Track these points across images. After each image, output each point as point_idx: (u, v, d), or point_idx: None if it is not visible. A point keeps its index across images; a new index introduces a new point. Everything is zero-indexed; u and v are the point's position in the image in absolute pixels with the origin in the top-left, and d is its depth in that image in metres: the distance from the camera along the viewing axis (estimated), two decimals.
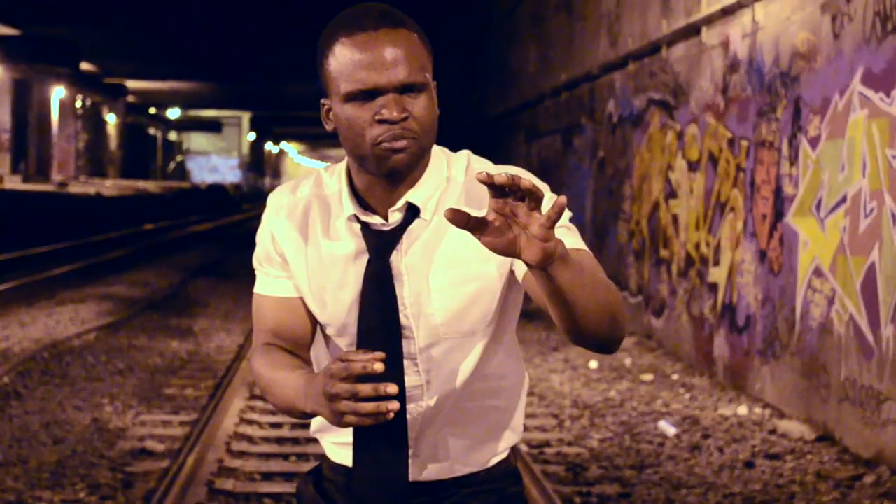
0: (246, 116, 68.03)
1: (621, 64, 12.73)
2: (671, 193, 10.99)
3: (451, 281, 2.22)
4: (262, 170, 79.95)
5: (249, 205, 55.88)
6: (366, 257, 2.24)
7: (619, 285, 12.81)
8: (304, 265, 2.29)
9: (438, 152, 2.28)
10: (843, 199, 7.22)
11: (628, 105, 12.57)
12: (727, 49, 9.44)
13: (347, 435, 2.30)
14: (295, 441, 7.42)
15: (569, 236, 2.17)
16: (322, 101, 2.25)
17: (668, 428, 7.71)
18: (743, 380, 8.91)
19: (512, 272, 2.26)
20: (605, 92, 13.65)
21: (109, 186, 33.04)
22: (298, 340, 2.34)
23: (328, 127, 2.25)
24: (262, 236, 2.35)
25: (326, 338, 2.37)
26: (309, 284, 2.29)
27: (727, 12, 9.27)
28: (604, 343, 2.13)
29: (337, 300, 2.27)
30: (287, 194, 2.35)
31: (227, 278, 17.99)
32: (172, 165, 65.04)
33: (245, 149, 69.95)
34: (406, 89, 2.14)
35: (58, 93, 38.53)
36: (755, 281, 8.72)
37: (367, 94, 2.13)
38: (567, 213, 2.17)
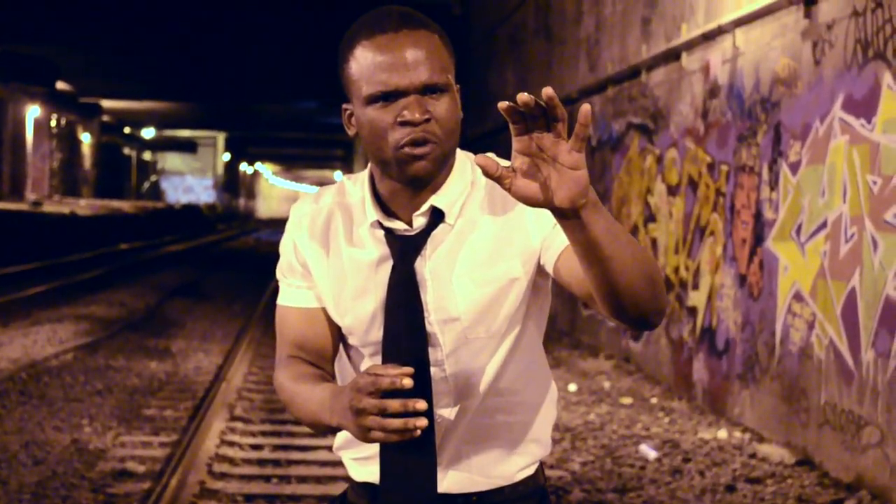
0: (221, 137, 67.98)
1: (600, 88, 12.78)
2: (650, 217, 11.04)
3: (476, 282, 2.19)
4: (236, 190, 79.83)
5: (224, 225, 55.79)
6: (389, 264, 2.21)
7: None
8: (326, 274, 2.27)
9: (462, 156, 2.25)
10: (824, 224, 7.27)
11: (607, 129, 12.63)
12: (707, 74, 9.50)
13: (371, 449, 2.27)
14: (276, 463, 7.40)
15: None
16: (344, 106, 2.22)
17: (648, 451, 7.73)
18: (722, 403, 8.95)
19: (540, 268, 2.22)
20: None
21: (84, 206, 32.92)
22: (322, 352, 2.31)
23: (350, 132, 2.23)
24: (284, 247, 2.33)
25: (348, 349, 2.34)
26: (332, 293, 2.27)
27: (707, 38, 9.33)
28: (645, 309, 2.00)
29: (360, 308, 2.24)
30: (309, 203, 2.32)
31: (204, 299, 17.94)
32: (147, 185, 64.87)
33: (220, 169, 69.85)
34: (428, 90, 2.11)
35: (33, 112, 38.41)
36: (735, 305, 8.76)
37: (388, 96, 2.11)
38: None
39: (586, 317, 13.17)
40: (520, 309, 2.24)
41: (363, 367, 2.31)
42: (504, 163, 1.92)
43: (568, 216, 1.87)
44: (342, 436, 2.35)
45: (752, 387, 8.38)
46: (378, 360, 2.24)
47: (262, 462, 7.43)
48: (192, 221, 46.78)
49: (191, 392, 9.82)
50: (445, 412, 2.25)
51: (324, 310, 2.30)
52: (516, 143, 1.84)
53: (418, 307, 2.20)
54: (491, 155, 2.19)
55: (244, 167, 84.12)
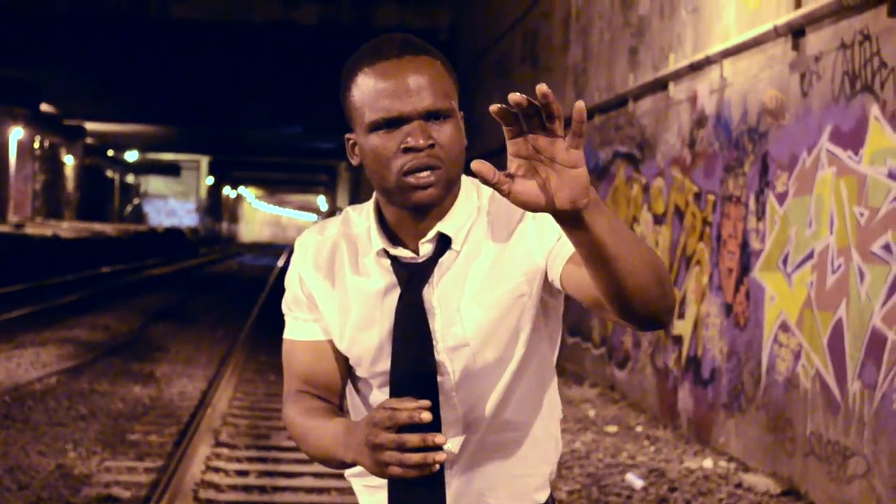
0: (204, 160, 67.93)
1: (587, 116, 12.80)
2: None
3: (482, 306, 2.17)
4: (219, 214, 79.71)
5: (207, 249, 55.70)
6: (396, 293, 2.19)
7: (581, 336, 12.87)
8: (332, 305, 2.25)
9: (468, 182, 2.23)
10: (811, 255, 7.30)
11: (594, 157, 12.66)
12: (695, 104, 9.55)
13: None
14: (262, 489, 7.38)
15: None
16: (347, 135, 2.20)
17: (635, 480, 7.73)
18: (707, 433, 8.96)
19: (548, 285, 2.18)
20: None
21: (66, 228, 32.84)
22: (330, 386, 2.29)
23: (354, 162, 2.20)
24: (290, 280, 2.31)
25: (356, 381, 2.32)
26: (338, 324, 2.24)
27: (695, 68, 9.38)
28: (655, 308, 1.93)
29: (367, 339, 2.22)
30: (314, 235, 2.31)
31: (187, 323, 17.90)
32: (129, 208, 64.74)
33: (203, 193, 69.76)
34: (431, 116, 2.09)
35: (16, 133, 38.32)
36: (720, 334, 8.79)
37: (391, 123, 2.09)
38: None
39: (571, 344, 13.18)
40: (527, 329, 2.21)
41: (372, 398, 2.29)
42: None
43: (570, 218, 1.79)
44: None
45: (737, 416, 8.40)
46: (386, 391, 2.22)
47: (247, 488, 7.41)
48: (175, 245, 46.69)
49: (175, 417, 9.79)
50: (453, 442, 2.23)
51: (331, 342, 2.28)
52: (511, 146, 1.77)
53: (427, 336, 2.17)
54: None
55: (227, 191, 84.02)
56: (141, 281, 28.14)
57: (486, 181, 1.76)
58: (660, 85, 10.31)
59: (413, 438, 1.92)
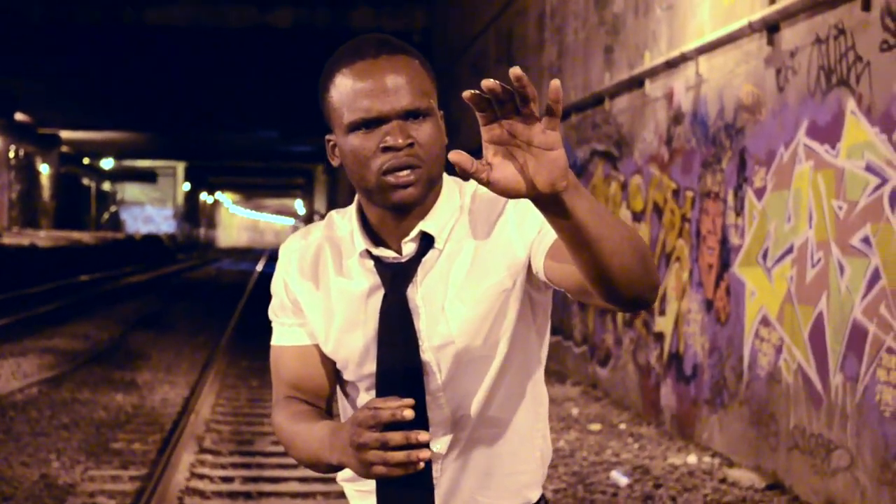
0: (181, 166, 67.79)
1: (564, 115, 12.84)
2: None
3: (466, 303, 2.16)
4: (197, 220, 79.55)
5: (184, 255, 55.56)
6: (380, 294, 2.18)
7: (563, 335, 12.89)
8: (317, 308, 2.25)
9: (450, 181, 2.23)
10: (790, 250, 7.33)
11: (571, 156, 12.68)
12: (671, 101, 9.57)
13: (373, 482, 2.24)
14: (248, 495, 7.37)
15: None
16: (327, 137, 2.20)
17: (619, 478, 7.75)
18: (691, 429, 8.98)
19: (533, 278, 2.16)
20: None
21: (44, 237, 32.71)
22: (318, 391, 2.29)
23: (334, 163, 2.19)
24: (275, 286, 2.31)
25: (344, 385, 2.32)
26: (323, 328, 2.24)
27: (671, 65, 9.41)
28: (640, 287, 1.90)
29: (352, 341, 2.22)
30: (298, 240, 2.31)
31: (168, 330, 17.85)
32: (106, 216, 64.54)
33: (180, 199, 69.61)
34: (410, 115, 2.09)
35: None
36: (702, 330, 8.81)
37: (370, 123, 2.08)
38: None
39: (553, 343, 13.20)
40: (512, 323, 2.19)
41: (360, 402, 2.28)
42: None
43: (550, 201, 1.76)
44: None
45: (720, 412, 8.42)
46: (373, 393, 2.22)
47: (233, 495, 7.39)
48: (153, 252, 46.57)
49: (158, 425, 9.77)
50: (441, 443, 2.22)
51: (317, 347, 2.27)
52: (485, 133, 1.74)
53: (412, 335, 2.17)
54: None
55: (204, 197, 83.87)
56: (120, 289, 28.05)
57: (464, 171, 1.74)
58: (636, 83, 10.34)
59: (396, 436, 1.91)
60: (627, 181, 10.75)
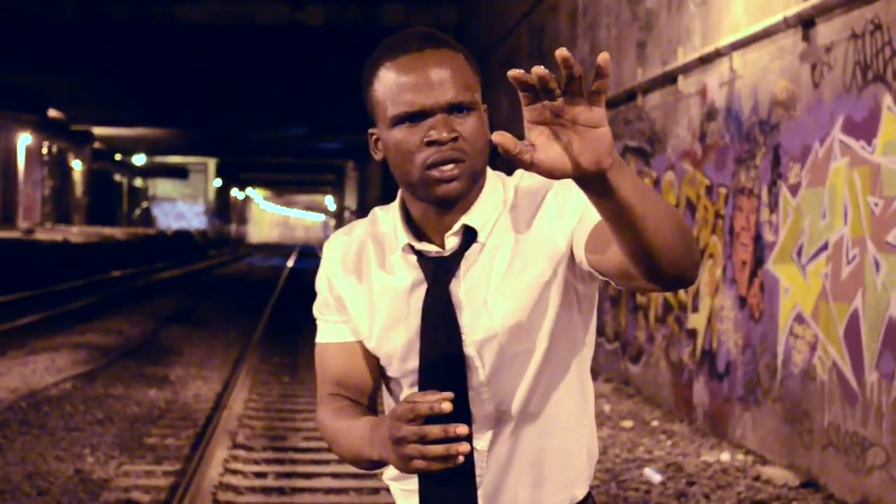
0: (212, 163, 68.02)
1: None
2: None
3: (509, 297, 2.14)
4: (228, 216, 79.82)
5: (215, 251, 55.74)
6: (423, 289, 2.16)
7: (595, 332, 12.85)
8: (361, 304, 2.24)
9: (493, 176, 2.20)
10: (825, 246, 7.29)
11: None
12: (704, 97, 9.53)
13: (413, 482, 2.22)
14: (281, 491, 7.39)
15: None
16: (370, 130, 2.18)
17: (653, 475, 7.73)
18: (724, 426, 8.95)
19: (576, 268, 2.13)
20: None
21: (76, 233, 32.90)
22: (362, 388, 2.28)
23: (377, 156, 2.19)
24: (319, 284, 2.30)
25: (388, 381, 2.30)
26: (367, 324, 2.23)
27: (704, 61, 9.37)
28: (682, 265, 1.88)
29: (396, 336, 2.20)
30: (342, 236, 2.30)
31: (200, 326, 17.91)
32: (138, 212, 64.84)
33: (211, 195, 69.87)
34: (454, 109, 2.07)
35: (24, 139, 38.41)
36: (735, 327, 8.78)
37: (414, 117, 2.07)
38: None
39: None
40: (555, 315, 2.16)
41: (404, 398, 2.28)
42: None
43: (595, 181, 1.72)
44: (391, 466, 2.29)
45: (753, 409, 8.39)
46: (417, 389, 2.20)
47: (266, 490, 7.41)
48: (184, 247, 46.75)
49: (192, 420, 9.81)
50: (484, 439, 2.20)
51: (361, 343, 2.26)
52: (528, 112, 1.70)
53: (455, 330, 2.15)
54: (534, 176, 2.12)
55: (235, 193, 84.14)
56: (151, 284, 28.18)
57: (507, 152, 1.69)
58: (669, 78, 10.30)
59: (434, 430, 1.89)
60: (660, 177, 10.71)
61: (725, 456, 8.33)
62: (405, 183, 2.14)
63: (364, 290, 2.24)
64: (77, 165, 47.18)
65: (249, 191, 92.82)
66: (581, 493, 2.29)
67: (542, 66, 1.64)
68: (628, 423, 9.68)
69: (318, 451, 8.40)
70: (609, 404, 10.60)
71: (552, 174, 1.72)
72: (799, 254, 7.68)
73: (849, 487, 6.92)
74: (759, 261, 8.36)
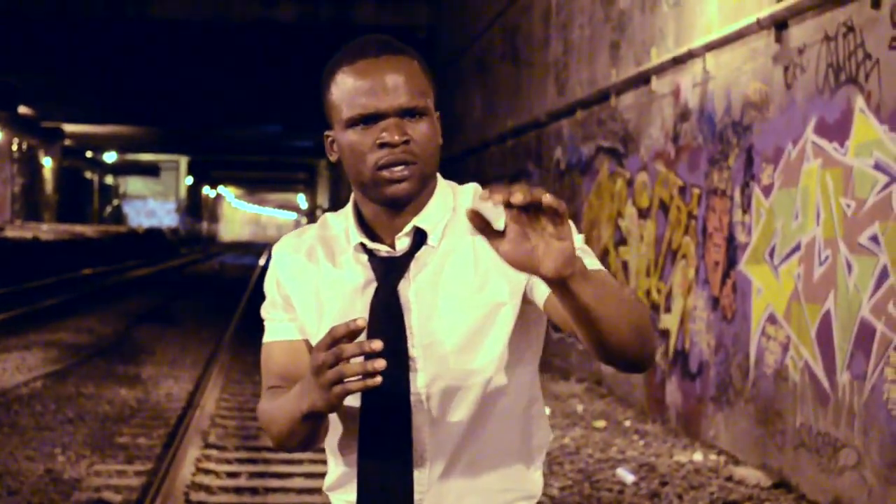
0: (184, 160, 67.78)
1: (569, 111, 12.84)
2: (621, 240, 11.08)
3: (461, 308, 2.17)
4: (199, 214, 79.55)
5: (187, 249, 55.56)
6: (373, 287, 2.20)
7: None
8: (308, 303, 2.26)
9: (444, 184, 2.27)
10: (798, 247, 7.32)
11: (576, 152, 12.67)
12: (678, 98, 9.56)
13: (353, 493, 2.23)
14: (254, 491, 7.37)
15: (585, 257, 2.10)
16: (326, 133, 2.25)
17: (626, 475, 7.74)
18: (696, 426, 8.98)
19: (528, 302, 2.19)
20: (552, 139, 13.76)
21: (46, 231, 32.72)
22: None
23: (332, 158, 2.25)
24: (267, 285, 2.33)
25: None
26: (315, 321, 2.25)
27: (678, 62, 9.39)
28: (635, 361, 2.05)
29: None
30: (291, 238, 2.35)
31: (172, 324, 17.85)
32: (109, 209, 64.55)
33: (182, 193, 69.62)
34: (407, 114, 2.14)
35: None
36: (708, 328, 8.80)
37: (368, 119, 2.14)
38: (581, 236, 2.14)
39: (556, 339, 13.19)
40: (506, 337, 2.19)
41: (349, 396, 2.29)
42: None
43: (554, 284, 1.88)
44: (330, 476, 2.32)
45: (726, 409, 8.41)
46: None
47: (239, 490, 7.39)
48: (156, 246, 46.56)
49: (163, 419, 9.77)
50: (423, 445, 2.21)
51: (307, 342, 2.29)
52: (508, 213, 1.84)
53: (401, 329, 2.17)
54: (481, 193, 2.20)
55: (207, 191, 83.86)
56: (123, 283, 28.06)
57: (478, 228, 1.84)
58: (642, 79, 10.33)
59: (350, 347, 1.94)
60: (633, 178, 10.73)
61: (698, 456, 8.35)
62: (357, 183, 2.20)
63: (313, 289, 2.27)
64: (47, 163, 46.93)
65: (221, 189, 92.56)
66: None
67: (522, 194, 1.78)
68: (601, 424, 9.70)
69: (305, 452, 8.37)
70: (582, 404, 10.62)
71: (514, 266, 1.86)
72: (771, 255, 7.71)
73: (821, 488, 6.95)
74: (731, 261, 8.39)
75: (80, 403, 10.43)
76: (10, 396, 10.56)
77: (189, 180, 70.75)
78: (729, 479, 7.71)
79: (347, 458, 2.26)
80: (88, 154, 57.46)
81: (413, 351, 2.18)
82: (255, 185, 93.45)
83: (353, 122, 2.14)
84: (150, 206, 69.17)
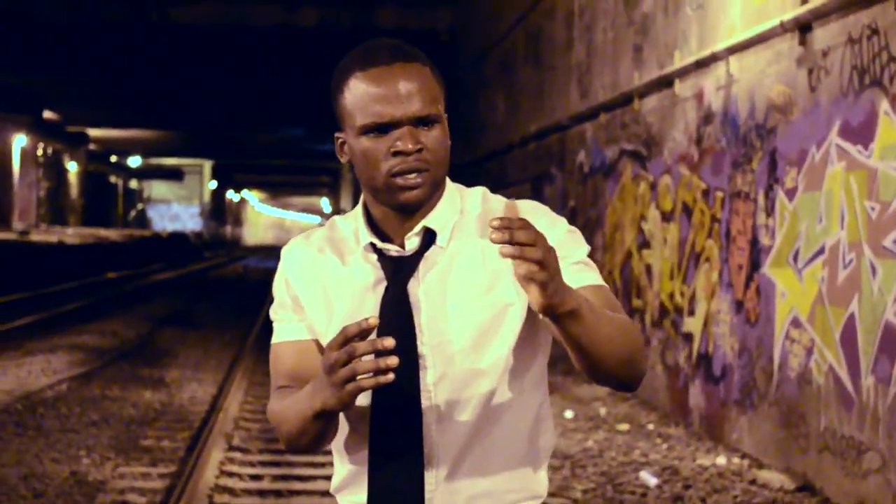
0: (207, 164, 67.98)
1: (592, 115, 12.83)
2: (644, 243, 11.07)
3: (471, 307, 2.20)
4: (223, 218, 79.76)
5: (211, 253, 55.71)
6: (383, 286, 2.23)
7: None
8: (318, 303, 2.28)
9: (452, 187, 2.30)
10: (822, 251, 7.30)
11: (600, 155, 12.67)
12: (701, 101, 9.54)
13: (362, 494, 2.24)
14: (277, 493, 7.38)
15: (586, 272, 2.19)
16: (336, 134, 2.27)
17: (649, 478, 7.73)
18: (720, 430, 8.96)
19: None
20: (575, 142, 13.75)
21: (71, 235, 32.89)
22: None
23: (343, 159, 2.28)
24: (276, 286, 2.35)
25: None
26: (325, 321, 2.27)
27: (701, 65, 9.38)
28: (623, 384, 2.16)
29: None
30: (300, 240, 2.37)
31: (195, 328, 17.90)
32: (133, 213, 64.80)
33: (206, 197, 69.82)
34: (420, 122, 2.17)
35: (19, 141, 38.38)
36: (731, 331, 8.78)
37: (382, 128, 2.16)
38: (585, 246, 2.21)
39: None
40: (514, 337, 2.22)
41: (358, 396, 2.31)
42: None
43: (547, 316, 1.99)
44: (338, 476, 2.32)
45: (749, 413, 8.39)
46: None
47: (262, 493, 7.41)
48: (180, 249, 46.70)
49: (187, 422, 9.80)
50: (432, 444, 2.22)
51: (316, 342, 2.30)
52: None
53: (412, 328, 2.20)
54: (500, 198, 2.32)
55: (231, 194, 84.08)
56: (147, 286, 28.15)
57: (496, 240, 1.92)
58: (665, 82, 10.31)
59: (362, 345, 1.97)
60: (657, 181, 10.72)
61: (721, 460, 8.33)
62: (369, 187, 2.23)
63: (322, 288, 2.29)
64: (72, 167, 47.15)
65: (245, 193, 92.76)
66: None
67: (509, 248, 1.91)
68: (624, 427, 9.69)
69: (314, 453, 8.39)
70: (605, 407, 10.61)
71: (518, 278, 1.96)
72: (795, 258, 7.69)
73: (845, 492, 6.93)
74: (755, 265, 8.37)
75: (105, 406, 10.47)
76: (35, 399, 10.61)
77: (213, 184, 70.94)
78: (753, 482, 7.69)
79: (356, 458, 2.27)
80: (113, 158, 57.68)
81: (422, 349, 2.20)
82: (279, 188, 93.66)
83: (367, 130, 2.17)
84: (174, 209, 69.39)
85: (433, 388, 2.21)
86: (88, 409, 10.29)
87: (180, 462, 8.18)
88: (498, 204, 2.29)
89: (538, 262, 1.90)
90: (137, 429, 9.48)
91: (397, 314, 2.20)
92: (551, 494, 7.37)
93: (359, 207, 2.31)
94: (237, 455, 8.39)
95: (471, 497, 2.24)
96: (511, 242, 1.89)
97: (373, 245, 2.24)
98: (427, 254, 2.23)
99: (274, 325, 2.35)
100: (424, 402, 2.20)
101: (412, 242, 2.23)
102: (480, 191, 2.31)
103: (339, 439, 2.29)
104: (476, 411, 2.22)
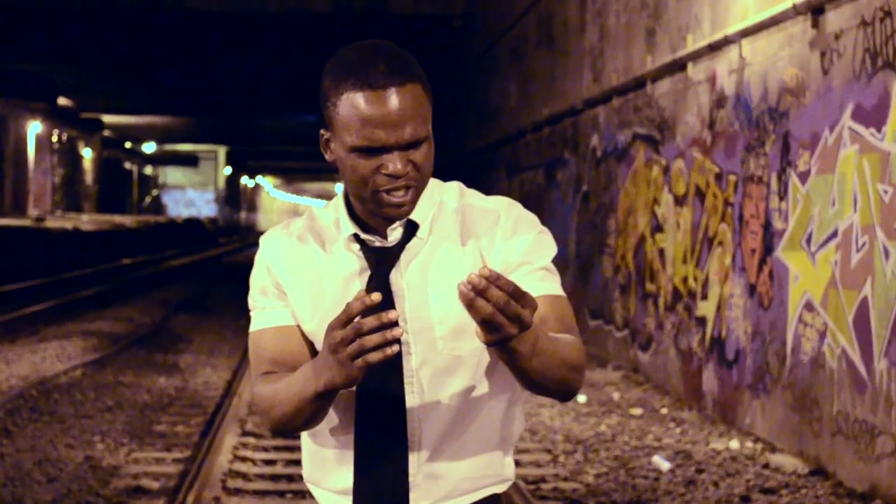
0: (222, 150, 68.01)
1: (605, 99, 12.81)
2: (657, 227, 11.05)
3: (450, 296, 2.24)
4: (238, 204, 79.85)
5: (226, 239, 55.79)
6: (365, 276, 2.27)
7: (604, 319, 12.86)
8: (300, 289, 2.31)
9: (432, 182, 2.34)
10: (835, 234, 7.28)
11: (612, 139, 12.64)
12: (714, 84, 9.52)
13: (345, 480, 2.30)
14: (290, 478, 7.40)
15: (546, 280, 2.26)
16: (322, 131, 2.29)
17: (661, 462, 7.73)
18: (733, 414, 8.95)
19: None
20: (588, 127, 13.72)
21: (86, 221, 32.95)
22: (298, 368, 2.30)
23: (328, 157, 2.29)
24: (256, 273, 2.37)
25: None
26: (307, 308, 2.30)
27: (713, 48, 9.36)
28: (557, 396, 2.24)
29: None
30: (279, 230, 2.39)
31: (209, 313, 17.94)
32: (148, 200, 64.90)
33: (221, 183, 69.88)
34: (411, 145, 2.20)
35: (34, 128, 38.46)
36: (744, 315, 8.77)
37: (373, 150, 2.18)
38: (552, 251, 2.27)
39: (593, 328, 13.18)
40: None
41: None
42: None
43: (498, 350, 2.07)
44: (309, 467, 2.38)
45: (763, 396, 8.38)
46: None
47: (275, 477, 7.43)
48: (195, 235, 46.80)
49: (201, 407, 9.83)
50: (415, 427, 2.29)
51: (299, 327, 2.32)
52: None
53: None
54: (476, 193, 2.38)
55: (245, 180, 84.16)
56: (162, 272, 28.21)
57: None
58: (678, 66, 10.29)
59: (369, 321, 1.98)
60: (670, 165, 10.70)
61: (734, 444, 8.33)
62: (356, 194, 2.26)
63: (304, 274, 2.32)
64: (87, 153, 47.22)
65: (259, 178, 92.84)
66: (488, 492, 2.39)
67: (472, 296, 1.96)
68: (637, 411, 9.69)
69: (296, 437, 8.40)
70: (618, 392, 10.61)
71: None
72: (808, 241, 7.67)
73: (858, 475, 6.92)
74: (768, 248, 8.35)
75: (119, 392, 10.51)
76: (50, 385, 10.64)
77: (227, 170, 71.00)
78: (766, 466, 7.69)
79: (338, 441, 2.31)
80: (127, 145, 57.77)
81: (406, 336, 2.25)
82: (293, 174, 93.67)
83: (357, 149, 2.19)
84: (189, 195, 69.47)
85: (416, 373, 2.27)
86: (103, 394, 10.32)
87: (194, 447, 8.21)
88: (474, 199, 2.35)
89: (492, 323, 1.97)
90: (151, 414, 9.51)
91: (382, 302, 2.19)
92: (564, 479, 7.38)
93: (339, 199, 2.34)
94: (251, 440, 8.41)
95: (448, 479, 2.32)
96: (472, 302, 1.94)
97: (356, 235, 2.28)
98: (409, 245, 2.28)
99: (252, 313, 2.37)
100: (408, 388, 2.27)
101: (395, 234, 2.27)
102: (456, 185, 2.37)
103: (321, 425, 2.31)
104: (456, 397, 2.29)
